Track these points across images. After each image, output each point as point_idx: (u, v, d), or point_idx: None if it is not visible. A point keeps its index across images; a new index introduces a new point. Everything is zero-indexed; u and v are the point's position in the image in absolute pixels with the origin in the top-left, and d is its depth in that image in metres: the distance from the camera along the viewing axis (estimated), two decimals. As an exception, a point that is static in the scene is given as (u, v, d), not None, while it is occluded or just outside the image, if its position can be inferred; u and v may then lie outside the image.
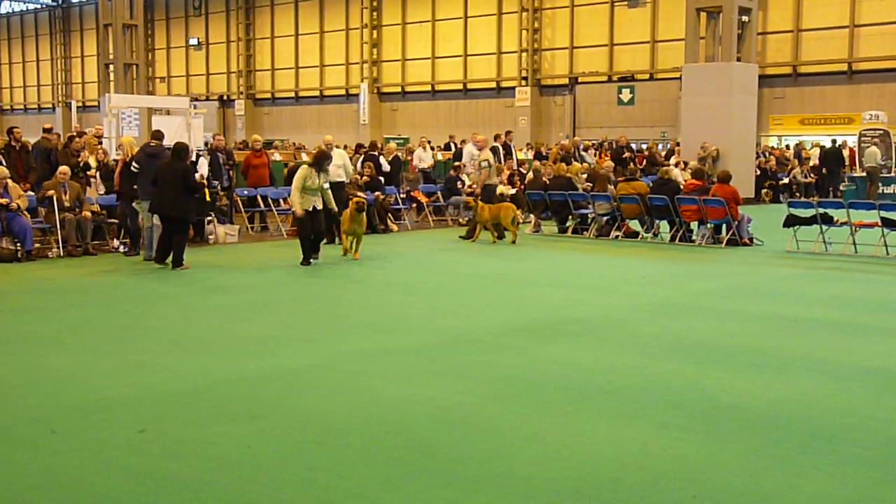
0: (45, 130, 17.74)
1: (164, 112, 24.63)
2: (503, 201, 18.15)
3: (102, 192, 16.54)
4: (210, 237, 16.64)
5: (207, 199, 14.86)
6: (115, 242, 15.52)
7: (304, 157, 22.51)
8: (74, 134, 18.87)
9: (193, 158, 16.49)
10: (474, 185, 18.40)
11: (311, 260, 13.49)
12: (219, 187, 17.68)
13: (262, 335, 8.70)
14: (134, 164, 14.14)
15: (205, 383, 6.97)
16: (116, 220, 15.79)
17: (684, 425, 5.94)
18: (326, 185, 13.65)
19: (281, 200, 18.63)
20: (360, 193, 18.46)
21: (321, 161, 13.53)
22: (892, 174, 27.61)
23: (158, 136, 14.77)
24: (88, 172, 16.79)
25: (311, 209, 13.41)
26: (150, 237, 13.92)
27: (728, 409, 6.30)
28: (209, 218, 16.71)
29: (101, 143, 19.77)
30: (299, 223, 13.73)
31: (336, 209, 14.05)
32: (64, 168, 15.11)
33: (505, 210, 17.03)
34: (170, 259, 13.23)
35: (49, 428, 5.86)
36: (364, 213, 14.14)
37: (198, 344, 8.38)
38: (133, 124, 22.74)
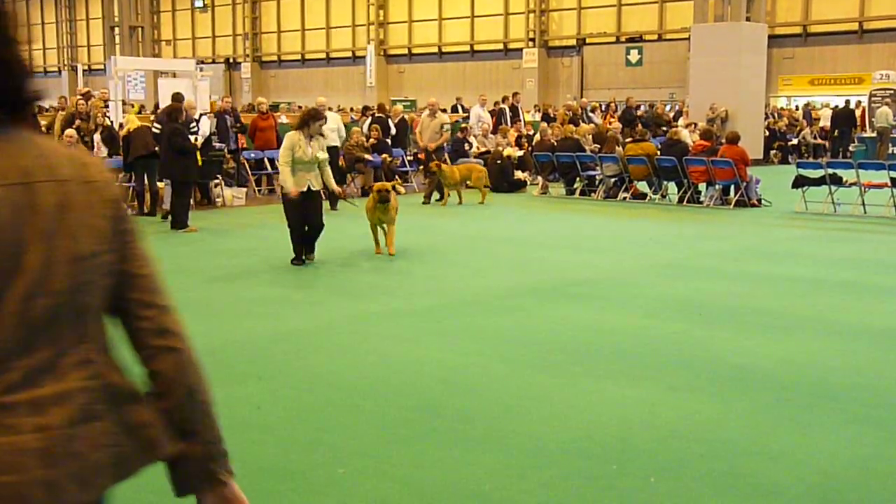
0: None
1: (170, 75, 24.49)
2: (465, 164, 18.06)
3: (105, 155, 16.50)
4: (217, 200, 16.63)
5: (199, 162, 14.62)
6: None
7: (284, 119, 21.79)
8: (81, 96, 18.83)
9: (196, 117, 16.47)
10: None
11: (305, 259, 10.33)
12: (225, 150, 17.65)
13: (268, 297, 8.72)
14: (155, 125, 14.71)
15: (212, 345, 6.99)
16: (123, 184, 15.84)
17: (692, 385, 5.96)
18: (323, 156, 10.31)
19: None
20: (365, 156, 18.47)
21: (309, 122, 10.26)
22: (903, 135, 27.38)
23: (179, 98, 15.24)
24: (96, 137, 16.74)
25: (303, 188, 10.15)
26: (166, 196, 14.52)
27: (735, 369, 6.31)
28: (216, 181, 16.70)
29: (106, 106, 19.73)
30: (287, 207, 10.25)
31: (340, 190, 11.53)
32: (70, 131, 15.08)
33: (477, 172, 17.03)
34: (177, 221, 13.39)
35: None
36: (388, 203, 10.77)
37: (203, 306, 8.40)
38: (139, 87, 22.67)
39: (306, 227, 10.23)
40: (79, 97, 18.80)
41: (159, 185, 15.33)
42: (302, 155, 10.02)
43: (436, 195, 17.17)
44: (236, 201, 16.82)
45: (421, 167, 21.36)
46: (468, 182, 17.13)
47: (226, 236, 13.06)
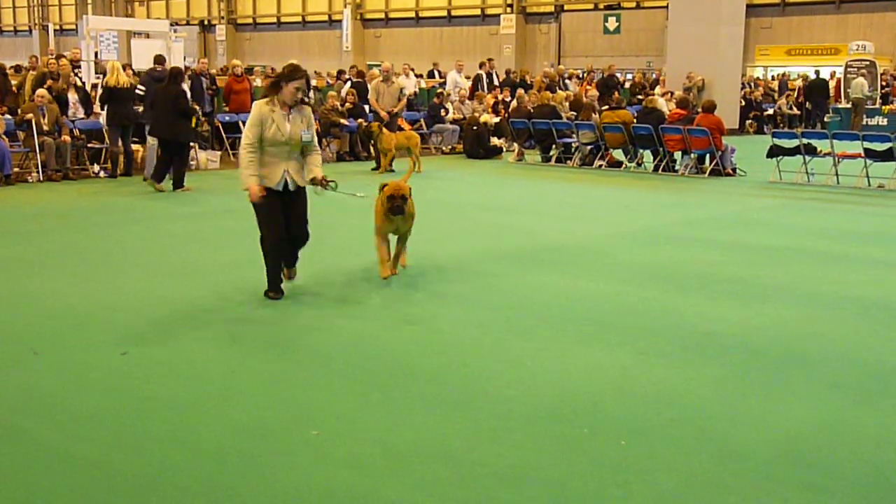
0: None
1: (143, 36, 24.13)
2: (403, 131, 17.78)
3: (81, 115, 16.34)
4: (192, 163, 16.49)
5: (194, 124, 14.76)
6: (96, 167, 15.45)
7: (258, 83, 20.75)
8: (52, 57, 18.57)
9: None
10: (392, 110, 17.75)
11: (283, 284, 7.30)
12: (200, 113, 17.50)
13: (244, 260, 8.67)
14: (139, 87, 14.79)
15: (186, 307, 6.97)
16: (96, 145, 15.74)
17: (662, 351, 6.01)
18: (309, 137, 7.10)
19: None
20: (341, 120, 18.36)
21: (282, 83, 6.90)
22: (877, 105, 27.55)
23: (161, 60, 15.52)
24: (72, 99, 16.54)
25: (279, 187, 7.01)
26: (153, 157, 14.49)
27: (706, 335, 6.37)
28: (191, 144, 16.54)
29: (78, 67, 19.46)
30: (258, 212, 7.06)
31: (335, 183, 7.29)
32: (41, 91, 14.89)
33: (413, 139, 16.94)
34: (169, 182, 13.57)
35: (30, 348, 5.86)
36: (403, 214, 7.77)
37: (179, 268, 8.36)
38: (111, 48, 22.30)
39: (288, 237, 7.23)
40: (50, 57, 18.53)
41: (134, 146, 15.27)
42: (276, 134, 6.83)
43: (373, 163, 16.82)
44: (211, 164, 16.70)
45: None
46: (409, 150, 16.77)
47: (201, 199, 12.97)
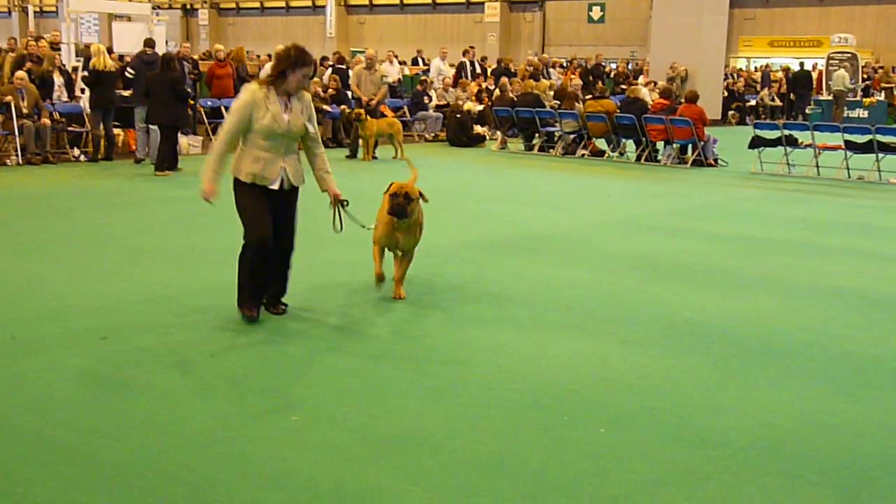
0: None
1: (125, 18, 23.95)
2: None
3: (66, 99, 16.23)
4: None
5: (199, 109, 15.01)
6: (76, 151, 15.36)
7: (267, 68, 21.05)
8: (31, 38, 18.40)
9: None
10: (371, 100, 17.59)
11: (268, 307, 6.37)
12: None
13: (224, 246, 8.63)
14: (129, 70, 14.96)
15: (167, 293, 6.94)
16: (76, 128, 15.64)
17: (643, 340, 6.03)
18: (312, 129, 6.13)
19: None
20: (324, 106, 18.29)
21: (288, 71, 5.88)
22: (858, 98, 27.69)
23: (151, 44, 15.66)
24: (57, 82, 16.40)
25: (275, 186, 6.01)
26: (144, 141, 14.81)
27: (686, 324, 6.40)
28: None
29: (58, 49, 19.29)
30: (243, 214, 6.09)
31: (340, 195, 6.32)
32: (20, 73, 14.77)
33: (395, 126, 16.90)
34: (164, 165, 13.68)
35: (9, 334, 5.83)
36: (409, 219, 6.68)
37: (160, 253, 8.33)
38: (92, 30, 22.15)
39: (265, 259, 6.10)
40: (30, 39, 18.36)
41: (116, 130, 15.18)
42: (272, 124, 5.84)
43: (361, 151, 16.67)
44: (192, 149, 16.60)
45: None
46: (391, 136, 16.71)
47: (183, 184, 12.91)
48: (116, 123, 15.62)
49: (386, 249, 6.90)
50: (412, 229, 6.76)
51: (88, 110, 15.33)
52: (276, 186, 5.98)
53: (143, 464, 3.99)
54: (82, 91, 16.05)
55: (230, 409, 4.67)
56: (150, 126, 14.74)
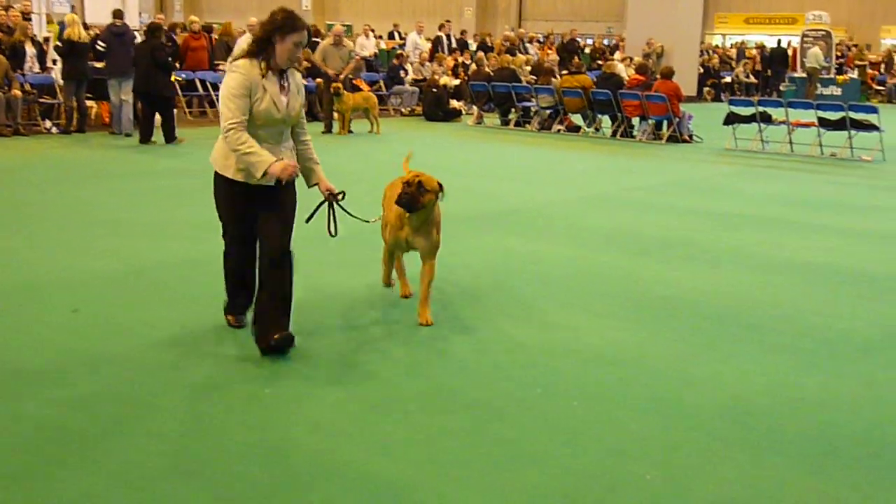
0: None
1: (97, -11, 23.61)
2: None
3: (38, 70, 16.02)
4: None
5: (173, 79, 14.94)
6: (48, 123, 15.21)
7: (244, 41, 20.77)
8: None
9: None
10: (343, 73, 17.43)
11: (245, 315, 5.47)
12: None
13: (201, 220, 8.59)
14: (100, 42, 14.88)
15: (142, 266, 6.91)
16: (48, 100, 15.48)
17: (616, 314, 6.08)
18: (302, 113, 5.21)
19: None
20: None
21: (276, 36, 4.85)
22: (832, 76, 27.85)
23: (120, 15, 15.67)
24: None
25: (271, 182, 4.93)
26: (119, 114, 14.82)
27: (659, 299, 6.45)
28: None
29: (29, 20, 19.00)
30: (224, 217, 5.25)
31: (334, 189, 5.28)
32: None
33: (371, 100, 16.86)
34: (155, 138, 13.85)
35: (-20, 307, 5.79)
36: (423, 212, 5.63)
37: (135, 227, 8.28)
38: (63, 0, 21.81)
39: (258, 255, 5.12)
40: (0, 8, 18.08)
41: (88, 102, 15.02)
42: (270, 110, 4.86)
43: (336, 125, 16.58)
44: (166, 122, 16.46)
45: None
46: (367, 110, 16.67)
47: (157, 156, 12.82)
48: (89, 95, 15.46)
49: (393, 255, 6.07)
50: (425, 228, 5.63)
51: (60, 81, 15.17)
52: (272, 182, 4.91)
53: (116, 436, 3.99)
54: (54, 62, 15.85)
55: (203, 379, 4.67)
56: (123, 98, 14.67)
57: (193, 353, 5.08)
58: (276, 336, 4.94)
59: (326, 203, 5.24)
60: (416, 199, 5.47)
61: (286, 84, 4.94)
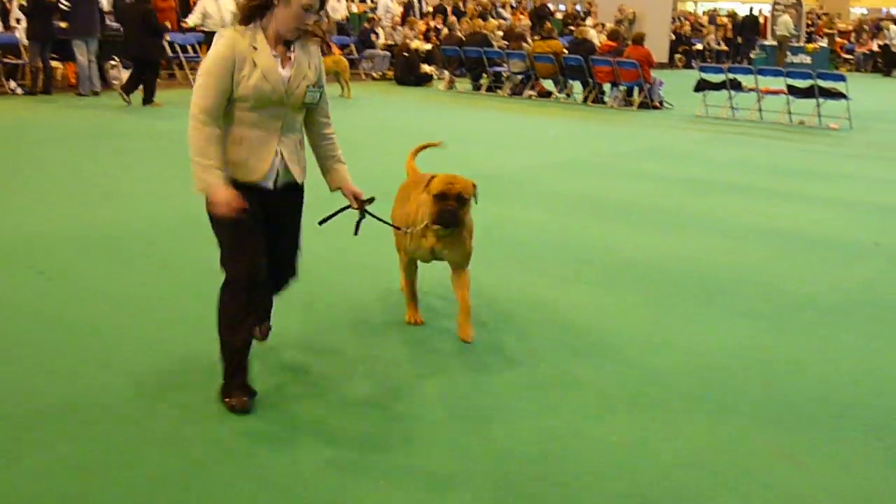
0: None
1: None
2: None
3: (1, 30, 15.77)
4: (114, 82, 16.03)
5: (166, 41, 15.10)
6: (12, 84, 14.98)
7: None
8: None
9: None
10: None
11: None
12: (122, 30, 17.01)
13: (171, 182, 8.54)
14: (63, 2, 14.80)
15: (109, 231, 6.86)
16: (12, 60, 15.24)
17: (586, 278, 6.12)
18: (319, 94, 4.10)
19: (189, 47, 17.93)
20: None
21: None
22: (801, 44, 27.99)
23: None
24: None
25: (266, 183, 3.92)
26: (86, 74, 14.78)
27: (628, 264, 6.50)
28: (112, 62, 16.09)
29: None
30: (221, 236, 3.93)
31: (361, 195, 4.34)
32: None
33: (342, 63, 16.76)
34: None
35: (-54, 269, 5.73)
36: (456, 226, 4.71)
37: (102, 191, 8.20)
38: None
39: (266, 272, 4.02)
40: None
41: (54, 63, 14.80)
42: (262, 87, 3.82)
43: None
44: (127, 83, 16.27)
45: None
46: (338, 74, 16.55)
47: (125, 120, 12.68)
48: (54, 56, 15.23)
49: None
50: (459, 239, 4.73)
51: (25, 41, 14.92)
52: (269, 184, 3.91)
53: (85, 400, 3.97)
54: (18, 21, 15.58)
55: (172, 343, 4.66)
56: (91, 60, 14.51)
57: (168, 316, 5.07)
58: (265, 330, 4.43)
59: (350, 208, 4.28)
60: (457, 216, 4.60)
61: (293, 58, 3.87)
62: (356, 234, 4.30)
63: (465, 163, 10.29)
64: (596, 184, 9.44)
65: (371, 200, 4.27)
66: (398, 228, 4.93)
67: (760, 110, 15.67)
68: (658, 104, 16.82)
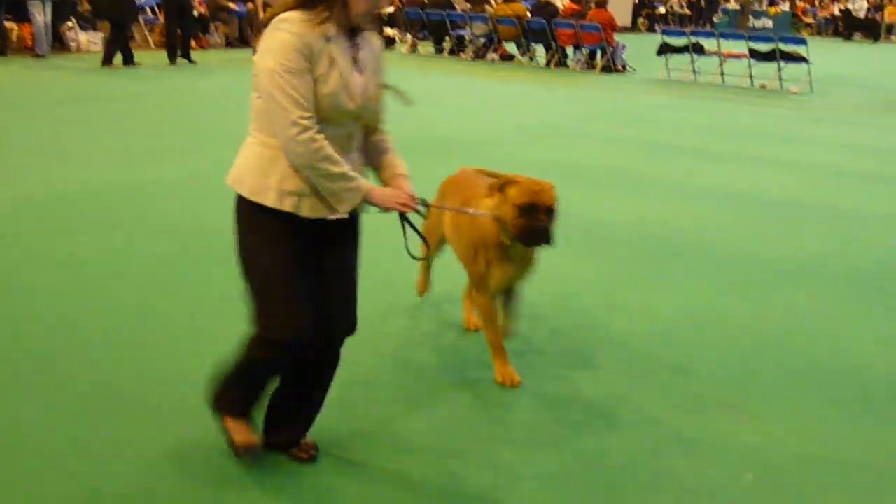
0: None
1: None
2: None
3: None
4: (72, 44, 15.77)
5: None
6: (-34, 46, 14.69)
7: None
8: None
9: None
10: None
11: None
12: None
13: (130, 145, 8.43)
14: None
15: (67, 193, 6.77)
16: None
17: (547, 241, 6.13)
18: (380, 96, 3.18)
19: (148, 9, 17.63)
20: (230, 4, 17.71)
21: None
22: (764, 8, 28.10)
23: None
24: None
25: (324, 213, 2.94)
26: (42, 35, 14.54)
27: (588, 227, 6.53)
28: (69, 24, 15.80)
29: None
30: (256, 279, 2.99)
31: (418, 198, 3.14)
32: None
33: None
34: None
35: None
36: (548, 242, 3.70)
37: (61, 153, 8.08)
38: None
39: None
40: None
41: (8, 24, 14.49)
42: (337, 94, 2.88)
43: None
44: (92, 46, 16.00)
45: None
46: None
47: (83, 82, 12.46)
48: (8, 17, 14.91)
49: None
50: (530, 257, 4.02)
51: (-23, 3, 14.60)
52: (334, 215, 3.00)
53: (48, 365, 3.93)
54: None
55: (135, 308, 4.62)
56: (47, 21, 14.27)
57: (123, 279, 5.02)
58: (312, 451, 3.27)
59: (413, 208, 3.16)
60: (551, 232, 3.72)
61: (359, 57, 3.00)
62: (414, 256, 3.51)
63: (425, 126, 10.28)
64: (557, 147, 9.46)
65: (423, 203, 3.19)
66: (467, 211, 3.91)
67: (723, 74, 15.75)
68: (621, 68, 16.84)
